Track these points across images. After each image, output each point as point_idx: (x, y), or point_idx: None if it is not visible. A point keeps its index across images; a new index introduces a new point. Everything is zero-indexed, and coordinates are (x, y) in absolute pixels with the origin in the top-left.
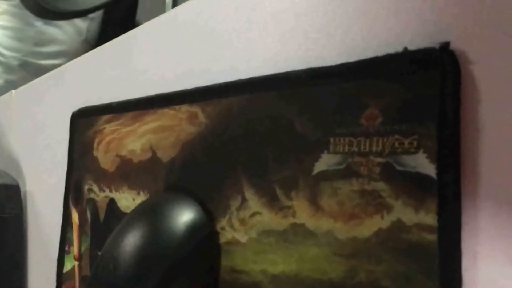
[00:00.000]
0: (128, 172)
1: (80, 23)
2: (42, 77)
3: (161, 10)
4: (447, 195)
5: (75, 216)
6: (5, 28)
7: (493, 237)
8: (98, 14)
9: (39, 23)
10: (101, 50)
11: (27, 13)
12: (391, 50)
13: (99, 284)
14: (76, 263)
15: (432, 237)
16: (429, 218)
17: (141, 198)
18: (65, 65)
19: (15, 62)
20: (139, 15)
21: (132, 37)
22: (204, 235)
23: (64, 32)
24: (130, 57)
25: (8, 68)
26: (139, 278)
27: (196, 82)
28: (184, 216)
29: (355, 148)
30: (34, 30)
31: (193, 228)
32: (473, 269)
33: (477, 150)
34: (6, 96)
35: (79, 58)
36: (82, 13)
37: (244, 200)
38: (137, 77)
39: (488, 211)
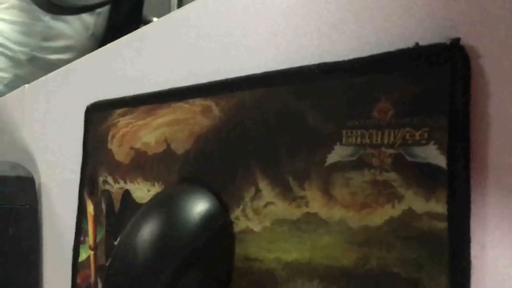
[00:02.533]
0: (142, 164)
1: (87, 18)
2: (55, 72)
3: (167, 5)
4: (457, 184)
5: (90, 207)
6: (13, 22)
7: (501, 225)
8: (105, 9)
9: (47, 18)
10: (114, 46)
11: (35, 8)
12: (403, 45)
13: (118, 272)
14: (92, 252)
15: (442, 225)
16: (439, 207)
17: (155, 189)
18: (77, 60)
19: (23, 57)
20: (145, 10)
21: (144, 34)
22: (219, 225)
23: (71, 27)
24: (142, 53)
25: (17, 63)
26: (157, 267)
27: (209, 78)
28: (199, 206)
29: (367, 140)
30: (42, 25)
31: (208, 218)
32: (482, 256)
33: (486, 141)
34: (19, 90)
35: (91, 53)
36: (89, 8)
37: (258, 190)
38: (149, 72)
39: (497, 201)
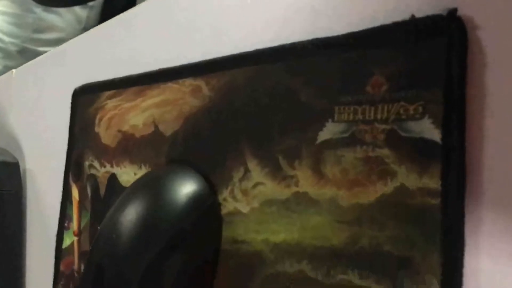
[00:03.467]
0: (129, 147)
1: (80, 11)
2: (42, 56)
3: None
4: (451, 159)
5: (75, 192)
6: (4, 13)
7: (497, 201)
8: (98, 3)
9: (38, 10)
10: (101, 29)
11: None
12: (398, 18)
13: (102, 253)
14: (76, 238)
15: (436, 201)
16: (433, 183)
17: (142, 172)
18: (65, 44)
19: (14, 48)
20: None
21: (133, 15)
22: (206, 206)
23: (63, 19)
24: (131, 34)
25: (7, 54)
26: (142, 248)
27: (200, 57)
28: (186, 187)
29: (359, 116)
30: (34, 17)
31: (195, 199)
32: (476, 233)
33: (483, 115)
34: (6, 75)
35: (79, 36)
36: (82, 1)
37: (247, 171)
38: (138, 54)
39: (493, 176)
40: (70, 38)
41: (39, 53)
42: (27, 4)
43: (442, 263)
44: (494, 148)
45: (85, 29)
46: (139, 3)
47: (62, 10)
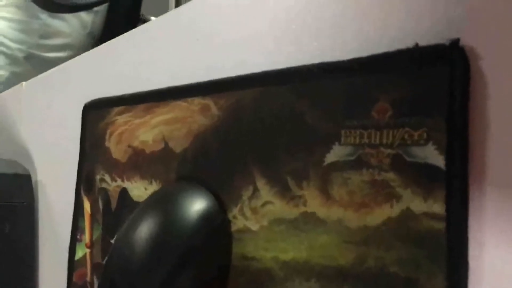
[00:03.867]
0: (140, 163)
1: (85, 16)
2: (52, 69)
3: (165, 5)
4: (455, 185)
5: (87, 205)
6: (10, 20)
7: (499, 226)
8: (103, 8)
9: (44, 16)
10: (112, 44)
11: (33, 6)
12: (402, 46)
13: (115, 269)
14: (88, 250)
15: (440, 225)
16: (437, 207)
17: (153, 187)
18: (75, 58)
19: (20, 54)
20: (143, 9)
21: (142, 32)
22: (217, 224)
23: (69, 25)
24: (140, 51)
25: (14, 60)
26: (154, 265)
27: (207, 75)
28: (197, 205)
29: (365, 140)
30: (39, 23)
31: (205, 217)
32: (480, 257)
33: (485, 142)
34: (16, 87)
35: (89, 51)
36: (87, 6)
37: (255, 190)
38: (147, 71)
39: (495, 201)
40: (76, 43)
41: (45, 59)
42: (33, 10)
43: (446, 285)
44: (496, 175)
45: (90, 34)
46: (143, 9)
47: (67, 15)
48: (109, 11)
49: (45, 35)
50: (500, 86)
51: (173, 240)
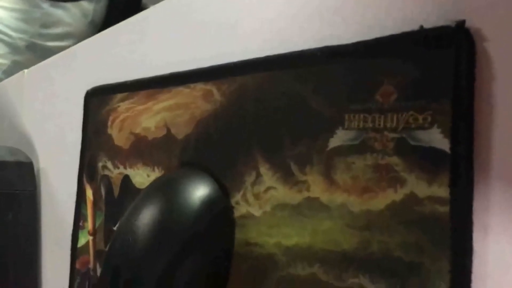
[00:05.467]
0: (142, 149)
1: (86, 5)
2: (54, 56)
3: None
4: (460, 168)
5: (89, 193)
6: (12, 10)
7: (504, 209)
8: None
9: (45, 5)
10: (114, 30)
11: None
12: (407, 28)
13: (118, 255)
14: (91, 238)
15: (444, 209)
16: (442, 191)
17: (155, 174)
18: (77, 45)
19: (22, 43)
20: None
21: (144, 18)
22: (219, 210)
23: (70, 14)
24: (143, 37)
25: (15, 49)
26: (157, 251)
27: (210, 61)
28: (200, 191)
29: (369, 124)
30: (41, 12)
31: (208, 203)
32: (484, 240)
33: (490, 125)
34: (18, 75)
35: (91, 38)
36: None
37: (258, 175)
38: (150, 57)
39: (500, 184)
40: (77, 32)
41: (47, 48)
42: None
43: (450, 269)
44: (502, 157)
45: (92, 22)
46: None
47: (68, 4)
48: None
49: (46, 24)
50: (506, 68)
51: (175, 226)
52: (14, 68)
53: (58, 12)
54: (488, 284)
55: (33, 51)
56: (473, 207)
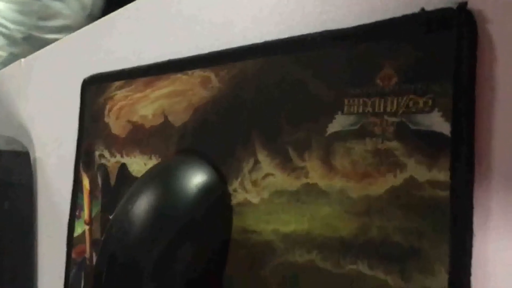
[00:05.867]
0: (139, 137)
1: None
2: (51, 45)
3: None
4: (461, 152)
5: (85, 182)
6: (9, 1)
7: (505, 193)
8: None
9: None
10: (111, 19)
11: None
12: (408, 11)
13: (114, 242)
14: (87, 227)
15: (445, 193)
16: (442, 175)
17: (152, 162)
18: (74, 33)
19: (19, 35)
20: None
21: (141, 5)
22: (217, 197)
23: (68, 6)
24: (140, 25)
25: (12, 41)
26: (154, 237)
27: (208, 48)
28: (197, 178)
29: (369, 108)
30: (39, 4)
31: (205, 189)
32: (485, 225)
33: (492, 107)
34: (15, 64)
35: (88, 26)
36: None
37: (256, 162)
38: (147, 44)
39: (501, 168)
40: (76, 25)
41: (44, 40)
42: None
43: (450, 253)
44: (503, 141)
45: (91, 15)
46: None
47: None
48: None
49: (44, 17)
50: (508, 50)
51: (172, 213)
52: (11, 60)
53: (56, 5)
54: (489, 269)
55: (31, 43)
56: (474, 191)
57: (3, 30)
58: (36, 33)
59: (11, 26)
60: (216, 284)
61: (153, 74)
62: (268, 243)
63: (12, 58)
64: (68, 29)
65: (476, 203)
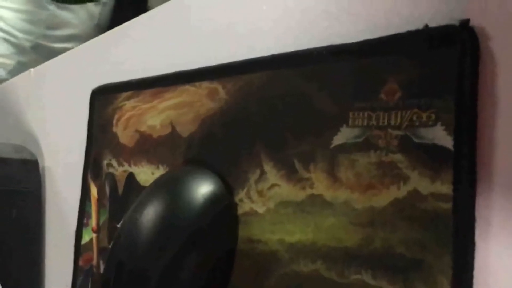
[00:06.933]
0: (147, 147)
1: (93, 8)
2: (60, 55)
3: None
4: (463, 165)
5: (93, 190)
6: (18, 10)
7: (507, 206)
8: None
9: (52, 7)
10: (120, 30)
11: None
12: (412, 27)
13: (122, 250)
14: (94, 235)
15: (447, 206)
16: (445, 188)
17: (160, 172)
18: (83, 44)
19: (27, 44)
20: (150, 0)
21: (150, 17)
22: (223, 206)
23: (76, 16)
24: (148, 36)
25: (21, 50)
26: (161, 246)
27: (215, 60)
28: (204, 188)
29: (373, 122)
30: (47, 13)
31: (212, 200)
32: (487, 237)
33: (493, 122)
34: (25, 74)
35: (97, 37)
36: None
37: (262, 172)
38: (155, 56)
39: (503, 182)
40: (84, 34)
41: (52, 49)
42: (40, 1)
43: (452, 265)
44: (504, 155)
45: (98, 25)
46: (150, 1)
47: (75, 6)
48: (117, 2)
49: (52, 26)
50: (510, 67)
51: (179, 222)
52: (19, 69)
53: (64, 14)
54: (491, 280)
55: (39, 52)
56: (476, 204)
57: (11, 38)
58: (44, 42)
59: (19, 35)
60: None
61: (160, 85)
62: (273, 253)
63: (20, 66)
64: (75, 38)
65: (478, 216)
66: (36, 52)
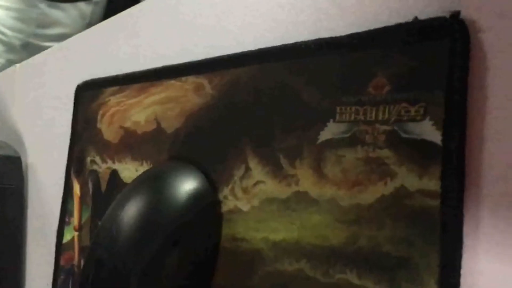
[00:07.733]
0: (131, 143)
1: (84, 7)
2: (45, 51)
3: None
4: (451, 161)
5: (76, 188)
6: (8, 8)
7: (495, 203)
8: None
9: (42, 5)
10: (105, 25)
11: None
12: (401, 19)
13: (102, 248)
14: (76, 233)
15: (435, 203)
16: (432, 184)
17: (144, 168)
18: (68, 40)
19: (17, 42)
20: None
21: (137, 12)
22: (206, 203)
23: (68, 15)
24: (135, 31)
25: (10, 48)
26: (142, 243)
27: (202, 55)
28: (187, 184)
29: (361, 117)
30: (38, 12)
31: (195, 196)
32: (475, 234)
33: (483, 117)
34: (10, 69)
35: (82, 33)
36: None
37: (247, 169)
38: (141, 51)
39: (492, 178)
40: (75, 34)
41: (43, 48)
42: None
43: (440, 263)
44: (494, 151)
45: (90, 24)
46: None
47: (66, 5)
48: (109, 1)
49: (42, 25)
50: (501, 59)
51: (161, 219)
52: (8, 67)
53: (55, 13)
54: (478, 279)
55: (29, 50)
56: (464, 201)
57: (1, 37)
58: (34, 41)
59: (10, 33)
60: None
61: (146, 80)
62: (257, 251)
63: (10, 65)
64: (66, 37)
65: (466, 213)
66: (26, 50)
